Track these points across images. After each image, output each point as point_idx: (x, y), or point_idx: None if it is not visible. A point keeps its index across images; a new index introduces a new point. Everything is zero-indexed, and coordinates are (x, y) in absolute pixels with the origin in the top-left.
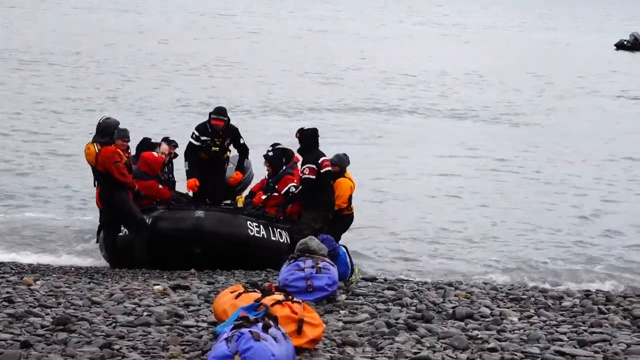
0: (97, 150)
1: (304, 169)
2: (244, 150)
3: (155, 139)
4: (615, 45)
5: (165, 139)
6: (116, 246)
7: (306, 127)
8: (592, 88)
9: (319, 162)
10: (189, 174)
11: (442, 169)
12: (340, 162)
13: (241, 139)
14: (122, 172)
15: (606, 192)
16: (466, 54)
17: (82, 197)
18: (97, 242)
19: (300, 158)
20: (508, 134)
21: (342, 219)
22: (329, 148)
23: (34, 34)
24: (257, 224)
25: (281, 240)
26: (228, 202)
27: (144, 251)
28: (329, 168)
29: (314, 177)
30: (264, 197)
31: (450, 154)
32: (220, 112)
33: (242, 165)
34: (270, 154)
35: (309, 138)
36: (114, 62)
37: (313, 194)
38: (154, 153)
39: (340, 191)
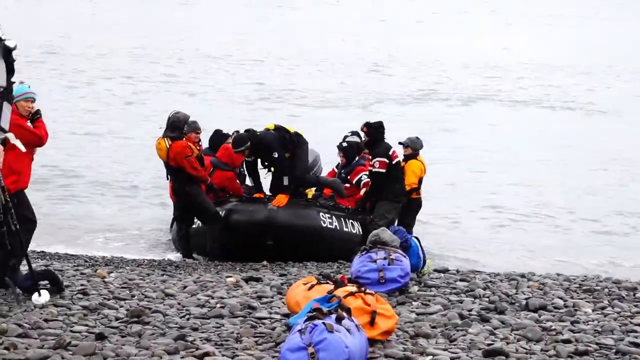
0: (168, 146)
1: (374, 162)
2: (281, 168)
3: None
4: None
5: (236, 132)
6: (189, 238)
7: (372, 121)
8: None
9: (390, 153)
10: (257, 189)
11: (513, 159)
12: (412, 145)
13: (274, 153)
14: (194, 166)
15: None
16: (549, 43)
17: (156, 190)
18: (171, 234)
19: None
20: (589, 123)
21: (414, 202)
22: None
23: (93, 29)
24: (329, 215)
25: (354, 231)
26: None
27: (217, 243)
28: (399, 159)
29: (384, 170)
30: None
31: (522, 143)
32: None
33: (281, 184)
34: (345, 144)
35: (376, 131)
36: (183, 56)
37: (386, 185)
38: None
39: (409, 172)
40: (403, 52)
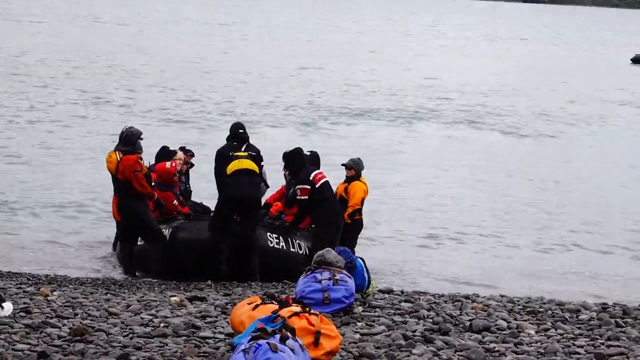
0: (118, 159)
1: (296, 189)
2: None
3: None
4: (631, 60)
5: (182, 148)
6: (132, 257)
7: (288, 150)
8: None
9: (311, 178)
10: None
11: (458, 179)
12: (356, 166)
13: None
14: (141, 183)
15: (630, 203)
16: (482, 67)
17: (100, 208)
18: (115, 253)
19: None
20: (528, 144)
21: (355, 223)
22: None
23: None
24: (276, 235)
25: (300, 252)
26: None
27: (159, 263)
28: (325, 179)
29: (306, 197)
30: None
31: (467, 164)
32: None
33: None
34: None
35: (294, 158)
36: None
37: (316, 209)
38: (167, 164)
39: (353, 193)
40: (338, 72)
